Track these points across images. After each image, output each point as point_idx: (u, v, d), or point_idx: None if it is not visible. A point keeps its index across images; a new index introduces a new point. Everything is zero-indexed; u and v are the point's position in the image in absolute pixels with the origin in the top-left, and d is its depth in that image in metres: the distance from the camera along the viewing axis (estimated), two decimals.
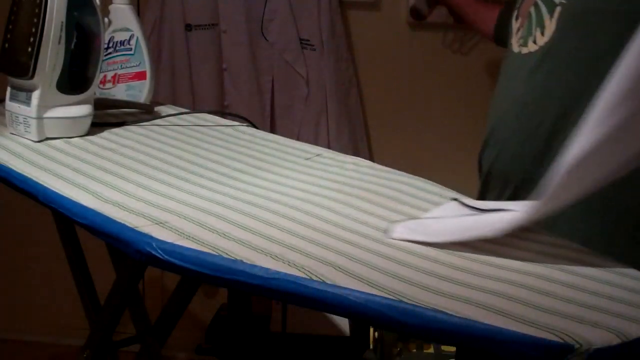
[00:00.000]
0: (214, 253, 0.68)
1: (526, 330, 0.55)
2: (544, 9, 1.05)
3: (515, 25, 1.13)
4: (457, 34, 2.09)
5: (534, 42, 1.05)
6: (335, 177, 0.98)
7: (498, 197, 1.11)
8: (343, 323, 2.04)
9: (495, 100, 1.15)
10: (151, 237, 0.71)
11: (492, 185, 1.15)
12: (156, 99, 1.46)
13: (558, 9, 1.03)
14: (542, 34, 1.04)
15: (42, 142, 1.09)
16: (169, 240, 0.71)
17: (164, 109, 1.36)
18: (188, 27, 2.12)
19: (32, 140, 1.09)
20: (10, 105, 1.12)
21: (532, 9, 1.07)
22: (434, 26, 2.07)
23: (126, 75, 1.40)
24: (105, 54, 1.29)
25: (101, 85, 1.38)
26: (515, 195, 1.08)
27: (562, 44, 1.03)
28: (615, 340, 0.55)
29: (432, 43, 2.11)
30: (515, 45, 1.11)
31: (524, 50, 1.07)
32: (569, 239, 0.78)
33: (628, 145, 0.63)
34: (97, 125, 1.18)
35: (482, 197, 1.16)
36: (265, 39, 2.11)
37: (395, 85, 2.19)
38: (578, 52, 1.02)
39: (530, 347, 0.55)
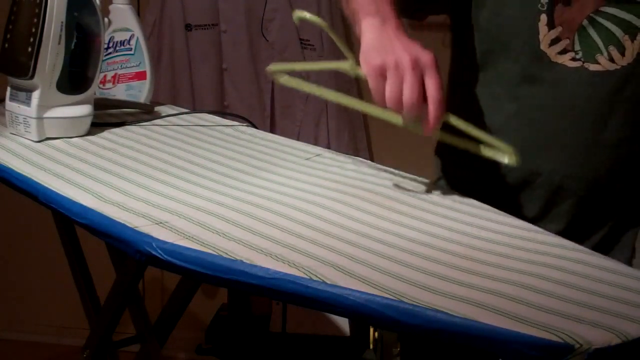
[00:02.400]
0: (214, 253, 0.68)
1: (526, 330, 0.55)
2: (614, 29, 1.05)
3: (549, 32, 1.07)
4: None
5: (611, 60, 1.06)
6: (335, 177, 0.98)
7: (568, 209, 1.12)
8: (343, 323, 2.03)
9: (537, 110, 1.10)
10: (151, 237, 0.71)
11: (559, 198, 1.13)
12: (156, 99, 1.46)
13: None
14: (622, 54, 1.05)
15: (42, 142, 1.09)
16: (169, 240, 0.71)
17: (164, 109, 1.36)
18: (188, 27, 2.12)
19: (32, 140, 1.09)
20: (10, 105, 1.12)
21: (587, 23, 1.05)
22: (434, 26, 2.07)
23: (126, 75, 1.40)
24: (105, 54, 1.29)
25: (101, 85, 1.38)
26: (579, 206, 1.11)
27: None
28: (615, 340, 0.54)
29: (432, 43, 2.10)
30: (561, 56, 1.07)
31: (593, 67, 1.06)
32: None
33: None
34: (97, 125, 1.17)
35: (546, 209, 1.14)
36: (265, 39, 2.11)
37: None
38: None
39: (530, 347, 0.55)
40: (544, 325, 0.56)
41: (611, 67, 1.06)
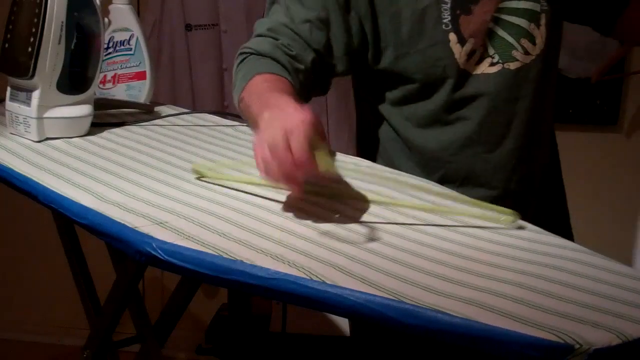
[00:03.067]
0: (214, 253, 0.68)
1: (526, 330, 0.55)
2: (520, 21, 1.05)
3: (462, 48, 1.04)
4: None
5: (526, 53, 1.06)
6: (334, 177, 0.97)
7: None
8: (343, 323, 2.03)
9: (474, 129, 1.08)
10: (151, 237, 0.71)
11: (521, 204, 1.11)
12: (156, 99, 1.46)
13: (543, 16, 1.07)
14: (533, 43, 1.06)
15: (42, 142, 1.09)
16: (169, 241, 0.71)
17: (164, 109, 1.36)
18: (188, 27, 2.12)
19: (32, 140, 1.09)
20: (10, 105, 1.12)
21: (493, 25, 1.05)
22: None
23: (126, 75, 1.40)
24: (105, 54, 1.29)
25: (101, 85, 1.38)
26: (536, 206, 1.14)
27: (553, 48, 1.09)
28: (615, 340, 0.54)
29: None
30: (480, 66, 1.06)
31: (513, 66, 1.06)
32: None
33: None
34: (97, 125, 1.17)
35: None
36: None
37: None
38: (557, 53, 1.12)
39: (530, 347, 0.55)
40: (544, 326, 0.56)
41: (527, 59, 1.06)
